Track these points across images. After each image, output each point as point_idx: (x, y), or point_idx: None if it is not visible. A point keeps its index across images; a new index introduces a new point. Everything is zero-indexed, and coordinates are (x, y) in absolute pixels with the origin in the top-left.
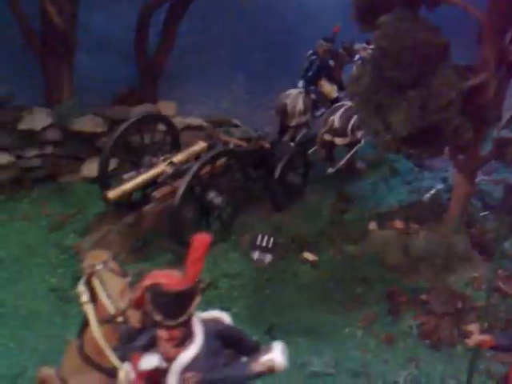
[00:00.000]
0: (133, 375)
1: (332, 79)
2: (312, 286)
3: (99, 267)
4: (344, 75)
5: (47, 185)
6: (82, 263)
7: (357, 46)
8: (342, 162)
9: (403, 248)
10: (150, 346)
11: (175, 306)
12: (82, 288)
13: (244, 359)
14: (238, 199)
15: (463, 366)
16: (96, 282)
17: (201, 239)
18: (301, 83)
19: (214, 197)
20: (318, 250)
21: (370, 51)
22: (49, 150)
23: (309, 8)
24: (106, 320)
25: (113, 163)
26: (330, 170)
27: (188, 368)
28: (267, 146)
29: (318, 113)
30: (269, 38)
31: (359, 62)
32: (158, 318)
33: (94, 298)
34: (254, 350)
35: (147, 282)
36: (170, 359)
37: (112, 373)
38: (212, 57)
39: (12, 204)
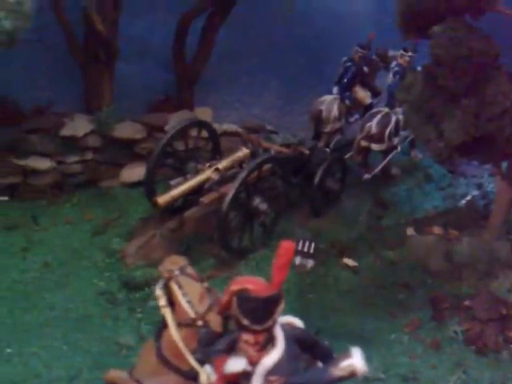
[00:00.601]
0: (214, 377)
1: (366, 85)
2: (354, 292)
3: (177, 272)
4: (377, 82)
5: (87, 190)
6: (159, 268)
7: (390, 53)
8: (379, 168)
9: (445, 254)
10: (231, 350)
11: (262, 311)
12: (159, 292)
13: (320, 364)
14: (280, 205)
15: (510, 371)
16: (174, 287)
17: (286, 246)
18: (335, 89)
19: (259, 203)
20: (357, 255)
21: (407, 58)
22: (89, 155)
23: (340, 15)
24: (186, 324)
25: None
26: (367, 176)
27: (271, 372)
28: (306, 152)
29: (352, 119)
30: (301, 44)
31: (396, 68)
32: (245, 322)
33: (171, 301)
34: (327, 356)
35: (234, 287)
36: (253, 363)
37: (190, 375)
38: (245, 64)
39: (54, 209)
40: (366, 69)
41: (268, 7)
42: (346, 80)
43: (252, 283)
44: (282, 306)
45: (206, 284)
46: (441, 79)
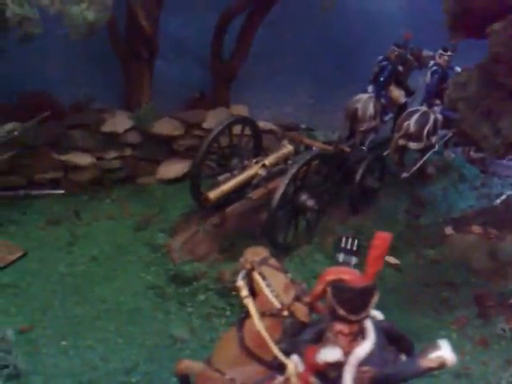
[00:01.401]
0: (302, 368)
1: (400, 85)
2: (399, 290)
3: (259, 263)
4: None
5: (126, 186)
6: (241, 259)
7: (425, 53)
8: (416, 167)
9: (489, 252)
10: (318, 341)
11: (358, 301)
12: (241, 283)
13: (403, 357)
14: (323, 202)
15: None
16: (257, 277)
17: (382, 238)
18: (370, 88)
19: (306, 199)
20: (398, 253)
21: (446, 58)
22: (128, 152)
23: (373, 15)
24: (270, 314)
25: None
26: (405, 175)
27: (363, 362)
28: (347, 149)
29: (387, 118)
30: (333, 44)
31: (434, 68)
32: (341, 312)
33: (253, 292)
34: (410, 350)
35: (329, 277)
36: (344, 353)
37: (273, 365)
38: (278, 63)
39: (95, 204)
40: (401, 68)
41: (302, 6)
42: (382, 79)
43: (347, 274)
44: (376, 297)
45: (289, 275)
46: (500, 76)
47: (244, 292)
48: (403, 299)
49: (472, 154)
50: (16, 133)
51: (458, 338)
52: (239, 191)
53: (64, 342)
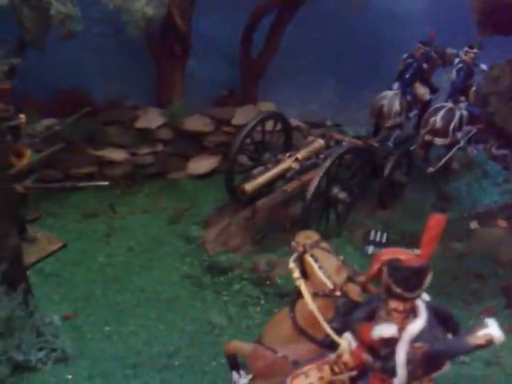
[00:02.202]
0: (355, 345)
1: (425, 82)
2: None
3: (311, 246)
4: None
5: (157, 181)
6: (293, 242)
7: (448, 51)
8: (442, 162)
9: None
10: (370, 319)
11: (414, 280)
12: (292, 265)
13: (450, 336)
14: (354, 195)
15: None
16: (309, 259)
17: (437, 219)
18: (396, 85)
19: (338, 192)
20: None
21: (472, 55)
22: (160, 147)
23: (398, 14)
24: (323, 294)
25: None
26: (431, 169)
27: (416, 339)
28: (376, 144)
29: (411, 114)
30: (358, 42)
31: (459, 65)
32: (397, 290)
33: (304, 274)
34: (457, 331)
35: (385, 257)
36: (398, 330)
37: (325, 343)
38: (304, 61)
39: (129, 198)
40: (425, 66)
41: (328, 5)
42: (408, 76)
43: (402, 254)
44: (430, 277)
45: (341, 257)
46: None
47: (296, 274)
48: (432, 290)
49: (494, 150)
50: (58, 127)
51: None
52: (271, 185)
53: (108, 328)
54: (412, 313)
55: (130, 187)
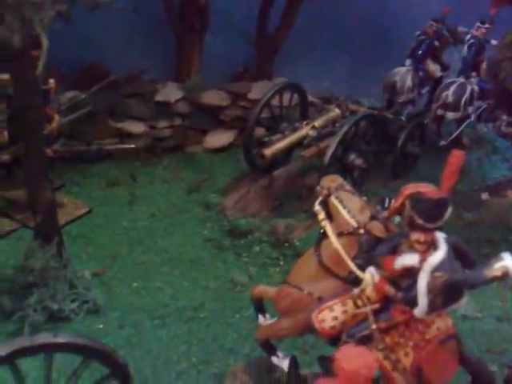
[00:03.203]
0: (378, 278)
1: (436, 59)
2: None
3: (336, 188)
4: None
5: (175, 154)
6: (317, 187)
7: (460, 29)
8: (454, 136)
9: None
10: (393, 253)
11: (435, 211)
12: (318, 207)
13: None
14: (370, 163)
15: None
16: (334, 201)
17: (457, 155)
18: (408, 62)
19: (354, 158)
20: None
21: (484, 30)
22: (177, 121)
23: None
24: (347, 232)
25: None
26: (443, 142)
27: (436, 269)
28: (390, 115)
29: (423, 91)
30: (371, 20)
31: (471, 41)
32: (419, 221)
33: (329, 216)
34: (473, 266)
35: (408, 191)
36: (419, 261)
37: (349, 279)
38: (318, 37)
39: (148, 169)
40: (437, 43)
41: None
42: (420, 52)
43: (424, 187)
44: (450, 210)
45: (365, 198)
46: None
47: (321, 215)
48: None
49: (503, 128)
50: (83, 95)
51: (497, 287)
52: (289, 152)
53: (135, 284)
54: (432, 246)
55: (149, 159)
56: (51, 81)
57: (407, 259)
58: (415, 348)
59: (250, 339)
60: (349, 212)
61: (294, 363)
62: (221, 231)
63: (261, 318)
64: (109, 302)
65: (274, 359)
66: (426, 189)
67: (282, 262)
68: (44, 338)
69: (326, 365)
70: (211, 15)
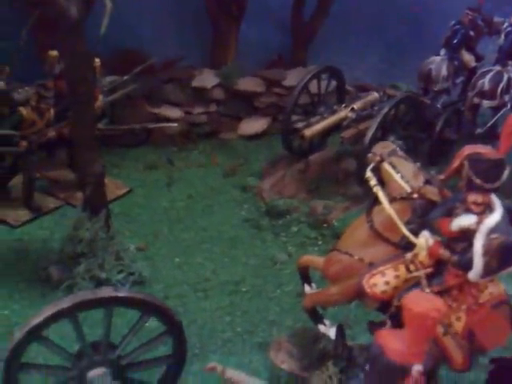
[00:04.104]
0: (432, 241)
1: (470, 49)
2: None
3: (388, 154)
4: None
5: (209, 140)
6: (369, 154)
7: (496, 19)
8: (490, 124)
9: None
10: (448, 216)
11: (493, 171)
12: (369, 174)
13: None
14: (408, 146)
15: None
16: (387, 167)
17: None
18: (443, 51)
19: (394, 140)
20: None
21: None
22: (213, 108)
23: None
24: (401, 197)
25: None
26: (479, 130)
27: (492, 231)
28: (427, 101)
29: (458, 80)
30: (406, 9)
31: (508, 29)
32: (478, 181)
33: (381, 183)
34: None
35: (466, 152)
36: (476, 222)
37: (401, 245)
38: (352, 26)
39: (184, 154)
40: (472, 33)
41: None
42: (455, 41)
43: (482, 148)
44: (507, 171)
45: (418, 164)
46: None
47: (373, 181)
48: None
49: None
50: (126, 77)
51: None
52: (324, 138)
53: (177, 259)
54: (489, 208)
55: (185, 145)
56: (97, 60)
57: (464, 220)
58: (468, 312)
59: (293, 313)
60: (402, 177)
61: (340, 331)
62: (258, 212)
63: (307, 287)
64: (153, 274)
65: (321, 327)
66: (484, 150)
67: (320, 242)
68: (105, 292)
69: (376, 330)
70: (249, 3)
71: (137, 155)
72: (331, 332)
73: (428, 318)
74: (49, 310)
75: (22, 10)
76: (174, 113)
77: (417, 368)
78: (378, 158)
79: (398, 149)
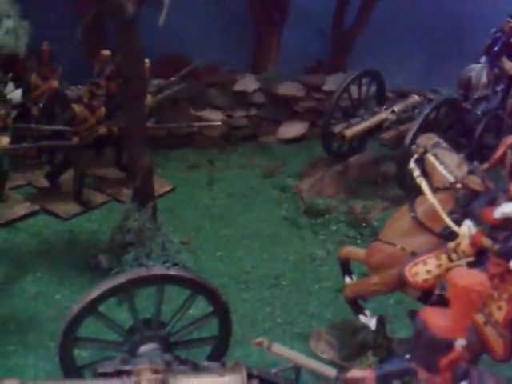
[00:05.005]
0: (474, 230)
1: (511, 57)
2: None
3: (432, 146)
4: None
5: (249, 143)
6: (413, 146)
7: None
8: None
9: None
10: (491, 205)
11: None
12: (413, 165)
13: None
14: None
15: None
16: (430, 158)
17: None
18: (483, 59)
19: None
20: None
21: None
22: (253, 111)
23: None
24: (444, 188)
25: None
26: None
27: None
28: (468, 106)
29: (498, 88)
30: (447, 18)
31: None
32: None
33: (425, 172)
34: None
35: (509, 141)
36: None
37: (444, 234)
38: (393, 34)
39: (224, 156)
40: None
41: None
42: (496, 49)
43: None
44: None
45: (462, 155)
46: None
47: (416, 172)
48: None
49: None
50: (173, 78)
51: None
52: (363, 140)
53: (219, 253)
54: None
55: (225, 147)
56: (146, 60)
57: (507, 208)
58: (509, 301)
59: (332, 307)
60: (446, 168)
61: (381, 322)
62: (297, 211)
63: (347, 278)
64: (196, 266)
65: (362, 317)
66: None
67: (359, 241)
68: (158, 269)
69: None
70: (290, 10)
71: (179, 156)
72: (372, 323)
73: (472, 292)
74: (105, 285)
75: (74, 14)
76: (216, 116)
77: (460, 342)
78: (421, 150)
79: (441, 141)
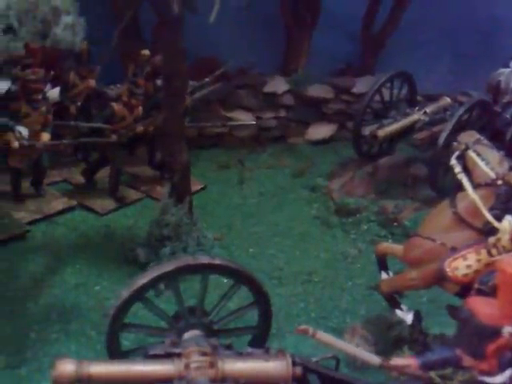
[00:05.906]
0: None
1: None
2: None
3: (474, 143)
4: None
5: (278, 144)
6: (454, 143)
7: None
8: None
9: None
10: None
11: None
12: (454, 161)
13: None
14: None
15: None
16: (472, 155)
17: None
18: None
19: None
20: None
21: None
22: (282, 113)
23: None
24: (485, 184)
25: None
26: None
27: None
28: (498, 109)
29: None
30: (476, 22)
31: None
32: None
33: (466, 168)
34: None
35: None
36: None
37: (484, 230)
38: (422, 37)
39: (254, 156)
40: None
41: None
42: None
43: None
44: None
45: (502, 152)
46: None
47: (457, 169)
48: None
49: None
50: (207, 79)
51: None
52: (393, 142)
53: (251, 250)
54: None
55: (255, 148)
56: None
57: None
58: None
59: (365, 303)
60: (487, 164)
61: (417, 317)
62: (327, 211)
63: (384, 274)
64: None
65: (399, 312)
66: None
67: (390, 240)
68: (204, 258)
69: (455, 313)
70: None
71: (210, 156)
72: (408, 317)
73: None
74: (154, 272)
75: (112, 17)
76: (246, 117)
77: (508, 329)
78: (463, 146)
79: (482, 138)
